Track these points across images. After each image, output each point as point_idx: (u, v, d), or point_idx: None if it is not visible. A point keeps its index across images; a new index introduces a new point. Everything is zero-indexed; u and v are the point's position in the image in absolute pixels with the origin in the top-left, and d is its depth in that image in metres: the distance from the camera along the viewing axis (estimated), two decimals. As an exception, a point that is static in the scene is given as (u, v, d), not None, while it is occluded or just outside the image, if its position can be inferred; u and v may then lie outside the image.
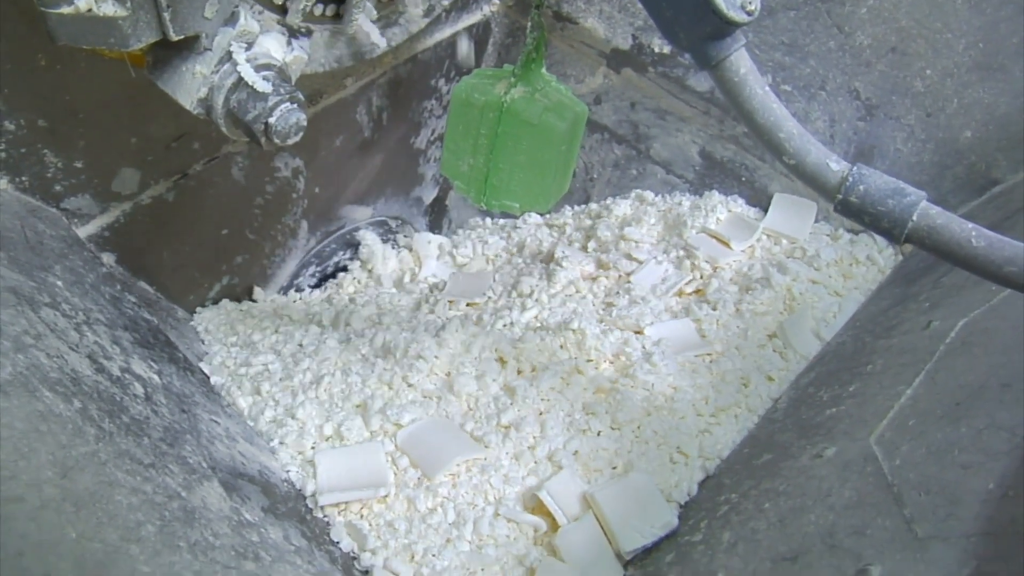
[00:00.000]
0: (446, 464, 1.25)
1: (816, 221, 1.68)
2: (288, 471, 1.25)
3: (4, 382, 0.84)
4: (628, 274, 1.66)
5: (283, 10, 1.29)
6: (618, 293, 1.62)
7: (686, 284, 1.62)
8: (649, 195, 1.84)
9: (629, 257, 1.69)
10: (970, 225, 0.84)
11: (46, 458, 0.79)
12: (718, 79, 0.93)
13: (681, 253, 1.67)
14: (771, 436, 1.25)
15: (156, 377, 1.12)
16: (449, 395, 1.39)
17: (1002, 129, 1.53)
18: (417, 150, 1.96)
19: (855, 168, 0.89)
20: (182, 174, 1.46)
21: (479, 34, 1.89)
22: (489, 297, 1.69)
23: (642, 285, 1.62)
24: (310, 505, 1.21)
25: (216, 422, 1.18)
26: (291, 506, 1.15)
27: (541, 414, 1.35)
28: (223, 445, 1.13)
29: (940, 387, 1.06)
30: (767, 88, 0.92)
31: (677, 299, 1.60)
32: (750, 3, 0.88)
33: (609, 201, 1.85)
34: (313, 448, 1.29)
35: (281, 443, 1.28)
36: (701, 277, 1.63)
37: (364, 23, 1.33)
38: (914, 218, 0.86)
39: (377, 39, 1.36)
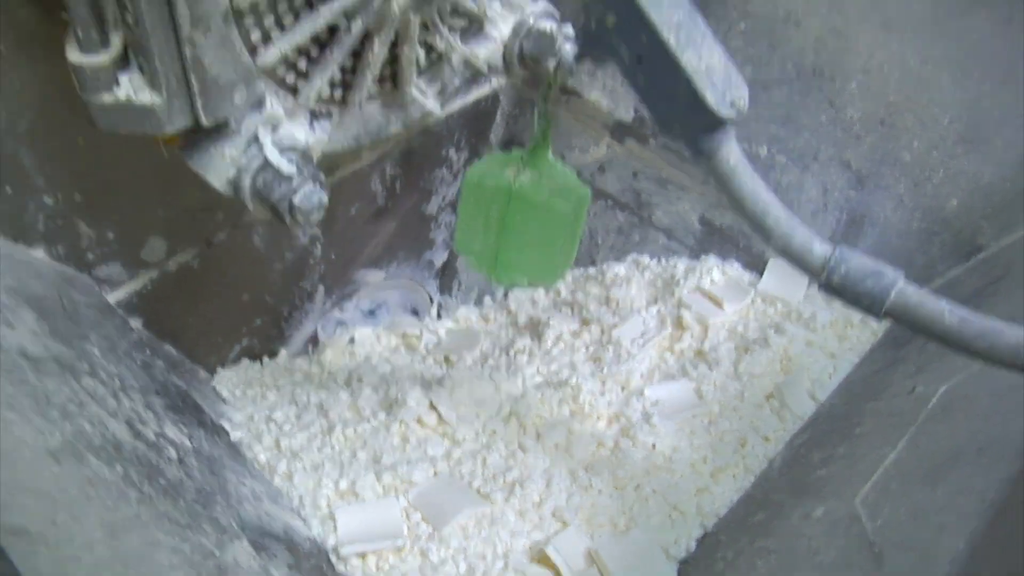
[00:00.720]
0: (453, 518, 1.30)
1: (811, 284, 1.71)
2: (310, 525, 1.30)
3: (55, 449, 0.90)
4: (612, 327, 1.70)
5: (346, 101, 1.34)
6: (602, 346, 1.66)
7: (665, 338, 1.66)
8: (644, 259, 1.89)
9: (613, 314, 1.74)
10: (943, 302, 0.89)
11: (96, 520, 0.85)
12: (710, 168, 0.98)
13: (667, 310, 1.71)
14: (766, 495, 1.29)
15: (187, 441, 1.18)
16: (457, 451, 1.44)
17: (986, 198, 1.58)
18: (429, 216, 2.02)
19: (837, 250, 0.94)
20: (207, 243, 1.52)
21: (488, 105, 1.97)
22: (485, 354, 1.74)
23: (624, 339, 1.66)
24: (332, 560, 1.26)
25: (243, 483, 1.23)
26: (313, 563, 1.20)
27: (546, 470, 1.40)
28: (250, 505, 1.18)
29: (922, 450, 1.10)
30: (756, 176, 0.97)
31: (669, 355, 1.65)
32: (739, 100, 0.95)
33: (605, 266, 1.90)
34: (328, 504, 1.33)
35: (300, 500, 1.33)
36: (691, 336, 1.67)
37: (418, 95, 1.39)
38: (891, 297, 0.92)
39: (433, 107, 1.41)
